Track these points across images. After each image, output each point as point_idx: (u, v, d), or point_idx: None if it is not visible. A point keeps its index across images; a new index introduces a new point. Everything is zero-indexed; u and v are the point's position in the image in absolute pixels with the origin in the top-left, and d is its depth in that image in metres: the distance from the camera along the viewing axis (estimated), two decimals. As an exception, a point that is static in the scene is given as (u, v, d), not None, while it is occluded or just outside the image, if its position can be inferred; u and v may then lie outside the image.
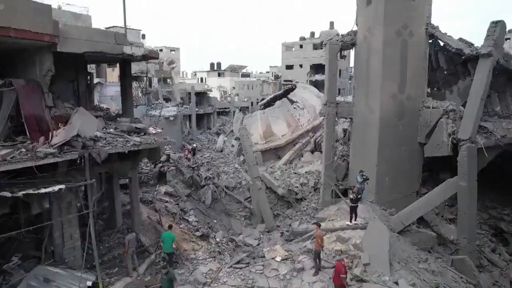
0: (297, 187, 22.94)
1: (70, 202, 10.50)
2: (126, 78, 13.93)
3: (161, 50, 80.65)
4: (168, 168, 22.77)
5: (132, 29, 61.80)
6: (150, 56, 12.63)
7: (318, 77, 55.34)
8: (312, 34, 59.53)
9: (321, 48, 56.53)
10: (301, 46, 58.44)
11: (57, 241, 10.46)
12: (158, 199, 18.49)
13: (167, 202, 18.38)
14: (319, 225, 12.01)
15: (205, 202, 21.23)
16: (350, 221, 14.03)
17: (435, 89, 18.90)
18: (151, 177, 22.33)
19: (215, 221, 20.55)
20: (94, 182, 9.76)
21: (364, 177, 15.69)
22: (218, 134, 45.65)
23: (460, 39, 16.21)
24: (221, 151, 34.88)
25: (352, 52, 20.00)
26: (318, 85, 48.13)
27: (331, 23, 58.05)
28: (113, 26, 58.71)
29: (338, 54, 19.30)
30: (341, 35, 19.39)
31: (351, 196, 13.78)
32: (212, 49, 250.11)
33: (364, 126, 18.16)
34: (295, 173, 25.02)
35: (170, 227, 13.29)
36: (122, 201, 15.39)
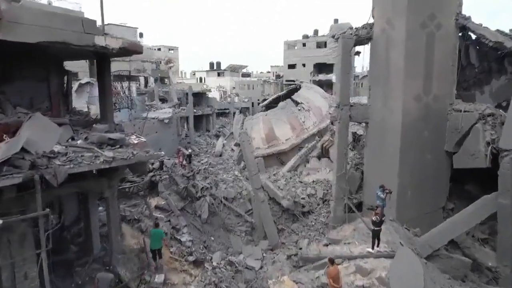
0: (303, 198, 20.65)
1: (23, 234, 8.21)
2: (104, 77, 11.65)
3: (159, 49, 78.60)
4: (161, 178, 20.49)
5: (128, 27, 59.59)
6: (130, 49, 10.34)
7: (321, 76, 53.08)
8: (316, 32, 57.16)
9: (325, 47, 54.27)
10: (304, 45, 56.09)
11: (5, 284, 8.16)
12: (147, 215, 16.19)
13: (156, 219, 16.04)
14: (333, 262, 9.68)
15: (201, 216, 18.92)
16: (372, 248, 11.73)
17: (463, 89, 16.58)
18: (142, 188, 20.04)
19: (212, 238, 18.26)
20: (48, 212, 7.46)
21: (387, 191, 13.39)
22: (217, 136, 43.32)
23: (498, 31, 13.92)
24: (220, 155, 32.54)
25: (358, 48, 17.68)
26: (322, 85, 45.90)
27: (335, 21, 55.65)
28: (108, 24, 56.57)
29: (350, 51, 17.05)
30: (355, 28, 17.10)
31: (373, 218, 11.47)
32: (212, 49, 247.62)
33: (382, 131, 15.86)
34: (301, 182, 22.73)
35: (157, 225, 12.47)
36: (102, 220, 13.13)
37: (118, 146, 9.19)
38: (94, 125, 11.29)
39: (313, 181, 22.30)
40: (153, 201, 18.70)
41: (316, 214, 20.12)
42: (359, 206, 17.87)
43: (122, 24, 58.06)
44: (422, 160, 15.09)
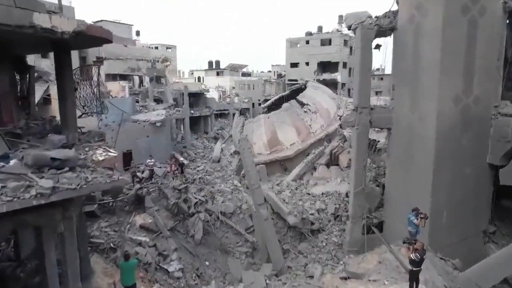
0: (312, 214, 17.98)
1: None
2: (63, 74, 9.02)
3: (156, 47, 76.12)
4: (148, 190, 17.86)
5: (123, 23, 57.09)
6: (92, 35, 7.70)
7: (326, 76, 50.43)
8: (320, 28, 54.43)
9: (330, 44, 51.63)
10: (307, 42, 53.32)
11: None
12: (128, 239, 13.56)
13: (140, 244, 13.45)
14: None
15: (194, 236, 16.29)
16: (410, 293, 9.11)
17: (505, 89, 13.92)
18: (127, 202, 17.44)
19: (207, 263, 15.65)
20: None
21: (422, 215, 10.76)
22: (215, 138, 40.75)
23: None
24: (218, 161, 29.93)
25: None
26: (327, 84, 43.22)
27: (340, 17, 53.02)
28: (101, 20, 53.98)
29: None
30: (375, 16, 14.49)
31: (412, 256, 8.84)
32: (212, 48, 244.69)
33: (410, 139, 13.24)
34: (309, 194, 20.05)
35: (126, 256, 10.01)
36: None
37: (67, 168, 6.55)
38: (49, 135, 8.66)
39: (322, 193, 19.63)
40: (139, 218, 16.11)
41: (327, 233, 17.46)
42: (379, 226, 15.30)
43: (116, 21, 55.52)
44: (460, 175, 12.48)
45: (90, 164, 7.63)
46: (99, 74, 10.25)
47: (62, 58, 9.00)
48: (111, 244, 12.34)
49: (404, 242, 9.57)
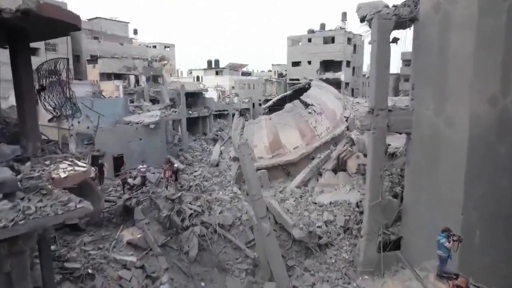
0: (319, 226, 16.24)
1: None
2: (19, 69, 7.27)
3: (154, 46, 74.56)
4: (139, 201, 16.14)
5: (119, 21, 55.44)
6: (46, 16, 5.95)
7: (329, 75, 48.66)
8: (323, 26, 52.63)
9: (333, 42, 49.87)
10: (309, 40, 51.51)
11: None
12: (112, 260, 11.83)
13: (125, 265, 11.72)
14: None
15: (188, 253, 14.56)
16: None
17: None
18: (114, 214, 15.75)
19: (202, 284, 13.92)
20: None
21: (454, 238, 9.04)
22: (214, 140, 39.01)
23: None
24: (217, 165, 28.16)
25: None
26: (330, 84, 41.50)
27: (344, 14, 51.28)
28: (96, 18, 52.27)
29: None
30: (394, 5, 12.80)
31: (453, 295, 7.13)
32: (212, 48, 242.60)
33: (434, 146, 11.50)
34: (315, 203, 18.31)
35: None
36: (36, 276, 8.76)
37: (0, 196, 4.83)
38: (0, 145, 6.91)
39: (330, 203, 17.87)
40: (127, 233, 14.41)
41: (336, 248, 15.73)
42: (397, 243, 13.59)
43: (112, 18, 53.85)
44: (495, 188, 10.75)
45: (46, 184, 5.89)
46: (68, 70, 8.53)
47: (18, 50, 7.25)
48: (89, 270, 10.56)
49: (441, 276, 7.84)
